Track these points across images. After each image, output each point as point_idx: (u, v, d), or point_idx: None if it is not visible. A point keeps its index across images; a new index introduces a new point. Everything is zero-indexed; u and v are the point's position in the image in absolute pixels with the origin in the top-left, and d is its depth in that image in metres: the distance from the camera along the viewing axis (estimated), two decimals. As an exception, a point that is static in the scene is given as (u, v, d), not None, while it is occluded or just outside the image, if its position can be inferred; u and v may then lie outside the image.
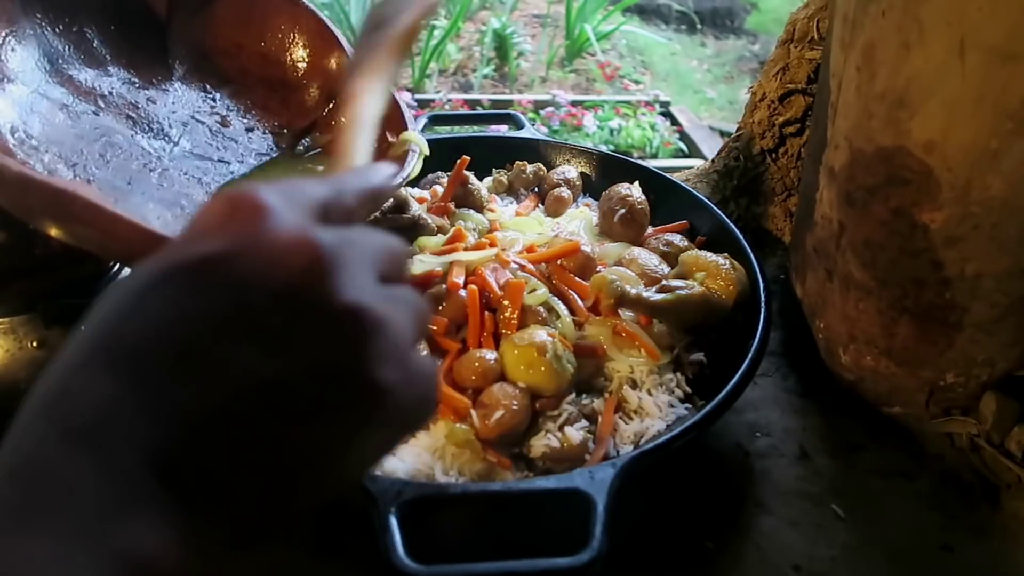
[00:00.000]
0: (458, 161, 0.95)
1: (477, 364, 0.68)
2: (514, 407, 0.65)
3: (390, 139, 0.78)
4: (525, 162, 1.02)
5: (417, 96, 3.98)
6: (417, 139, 0.76)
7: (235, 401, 0.27)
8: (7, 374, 0.73)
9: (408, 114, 0.78)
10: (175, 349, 0.27)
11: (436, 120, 1.13)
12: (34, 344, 0.74)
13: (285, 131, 0.77)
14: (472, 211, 0.92)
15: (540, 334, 0.68)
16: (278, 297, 0.28)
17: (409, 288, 0.34)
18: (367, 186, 0.37)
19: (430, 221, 0.89)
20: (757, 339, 0.71)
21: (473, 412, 0.65)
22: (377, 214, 0.87)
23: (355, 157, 0.49)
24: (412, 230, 0.89)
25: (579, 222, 0.93)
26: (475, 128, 1.30)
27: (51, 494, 0.24)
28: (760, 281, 0.78)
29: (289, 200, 0.31)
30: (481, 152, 1.02)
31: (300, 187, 0.33)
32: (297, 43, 0.78)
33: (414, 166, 0.72)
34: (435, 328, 0.72)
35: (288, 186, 0.32)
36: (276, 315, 0.28)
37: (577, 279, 0.80)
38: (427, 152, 0.76)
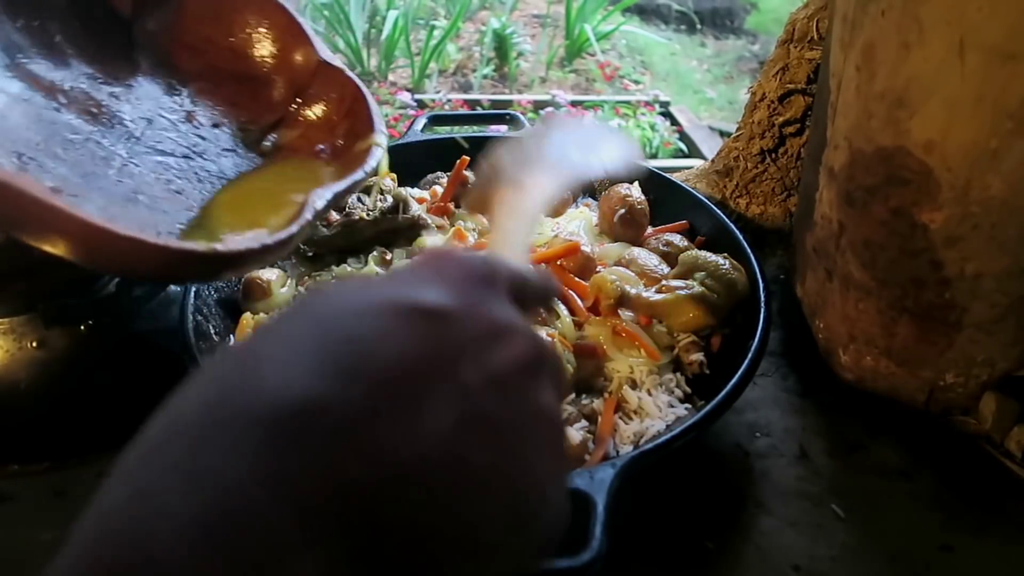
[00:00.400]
0: (458, 161, 0.95)
1: None
2: None
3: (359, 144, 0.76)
4: None
5: (417, 96, 3.98)
6: (380, 140, 0.74)
7: (428, 451, 0.26)
8: (7, 375, 0.72)
9: (377, 116, 0.76)
10: (391, 375, 0.27)
11: (436, 120, 1.13)
12: (34, 344, 0.74)
13: (252, 127, 0.77)
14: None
15: (539, 335, 0.68)
16: (489, 378, 0.28)
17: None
18: (539, 286, 0.40)
19: (430, 221, 0.89)
20: (757, 339, 0.71)
21: None
22: (376, 214, 0.88)
23: (512, 247, 0.49)
24: (412, 230, 0.89)
25: (579, 222, 0.93)
26: (475, 128, 1.30)
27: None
28: (760, 281, 0.78)
29: (500, 278, 0.33)
30: (481, 152, 1.02)
31: (501, 265, 0.34)
32: (266, 37, 0.78)
33: (376, 164, 0.70)
34: None
35: (494, 262, 0.34)
36: (481, 391, 0.28)
37: (577, 279, 0.80)
38: (383, 151, 0.74)
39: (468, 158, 0.94)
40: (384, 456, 0.25)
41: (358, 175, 0.67)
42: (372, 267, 0.84)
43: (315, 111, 0.77)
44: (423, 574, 0.27)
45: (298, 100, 0.78)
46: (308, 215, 0.59)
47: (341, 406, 0.26)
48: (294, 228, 0.57)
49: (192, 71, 0.77)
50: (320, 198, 0.62)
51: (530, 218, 0.54)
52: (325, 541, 0.24)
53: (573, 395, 0.70)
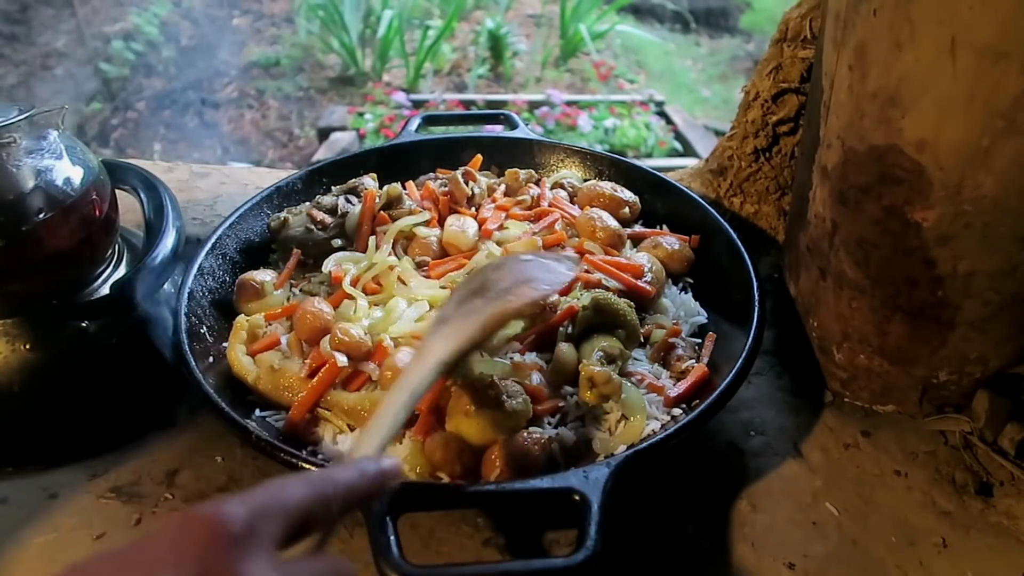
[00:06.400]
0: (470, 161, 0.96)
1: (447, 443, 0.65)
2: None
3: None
4: (518, 170, 1.00)
5: (412, 96, 3.97)
6: None
7: None
8: (0, 377, 0.72)
9: None
10: None
11: (430, 120, 1.13)
12: (27, 347, 0.73)
13: None
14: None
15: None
16: None
17: None
18: (358, 483, 0.38)
19: (422, 210, 0.89)
20: (751, 338, 0.71)
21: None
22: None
23: (379, 426, 0.50)
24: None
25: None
26: (470, 128, 1.30)
27: None
28: (754, 280, 0.78)
29: (264, 522, 0.32)
30: (476, 152, 1.02)
31: (280, 498, 0.34)
32: None
33: None
34: None
35: (266, 499, 0.33)
36: None
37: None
38: None
39: (481, 157, 0.96)
40: None
41: None
42: (390, 258, 0.83)
43: None
44: None
45: None
46: None
47: None
48: None
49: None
50: None
51: (407, 388, 0.54)
52: None
53: (571, 392, 0.70)
